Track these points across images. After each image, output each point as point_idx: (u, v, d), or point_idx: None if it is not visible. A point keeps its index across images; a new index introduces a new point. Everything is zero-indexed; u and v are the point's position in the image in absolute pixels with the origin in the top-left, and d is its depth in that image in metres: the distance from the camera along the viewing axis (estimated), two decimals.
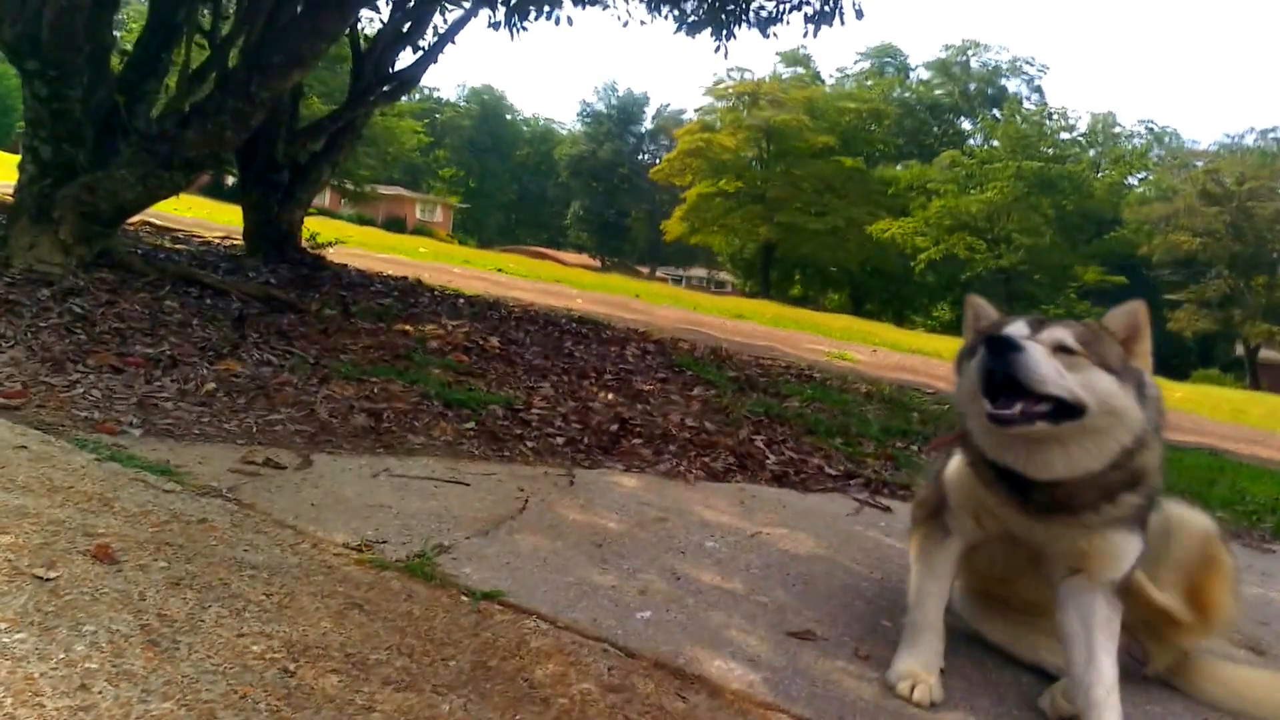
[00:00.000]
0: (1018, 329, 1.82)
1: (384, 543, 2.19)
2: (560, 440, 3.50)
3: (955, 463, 2.08)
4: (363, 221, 38.56)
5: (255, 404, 3.09)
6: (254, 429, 2.87)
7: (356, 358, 4.17)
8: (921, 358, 15.17)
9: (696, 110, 53.75)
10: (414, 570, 2.07)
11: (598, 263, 49.16)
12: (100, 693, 1.37)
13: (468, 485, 2.76)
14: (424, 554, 2.16)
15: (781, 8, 9.21)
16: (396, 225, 43.57)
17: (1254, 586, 3.34)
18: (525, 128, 73.22)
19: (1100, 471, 1.78)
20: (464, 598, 1.99)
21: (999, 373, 1.73)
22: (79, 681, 1.39)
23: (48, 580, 1.66)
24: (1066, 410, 1.73)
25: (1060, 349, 1.76)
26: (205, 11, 6.92)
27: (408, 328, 5.39)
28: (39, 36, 4.71)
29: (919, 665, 1.97)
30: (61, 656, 1.44)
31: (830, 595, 2.44)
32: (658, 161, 56.48)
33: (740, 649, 2.00)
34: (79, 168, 4.90)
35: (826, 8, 8.88)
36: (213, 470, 2.41)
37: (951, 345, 19.42)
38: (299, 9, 5.98)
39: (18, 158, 6.97)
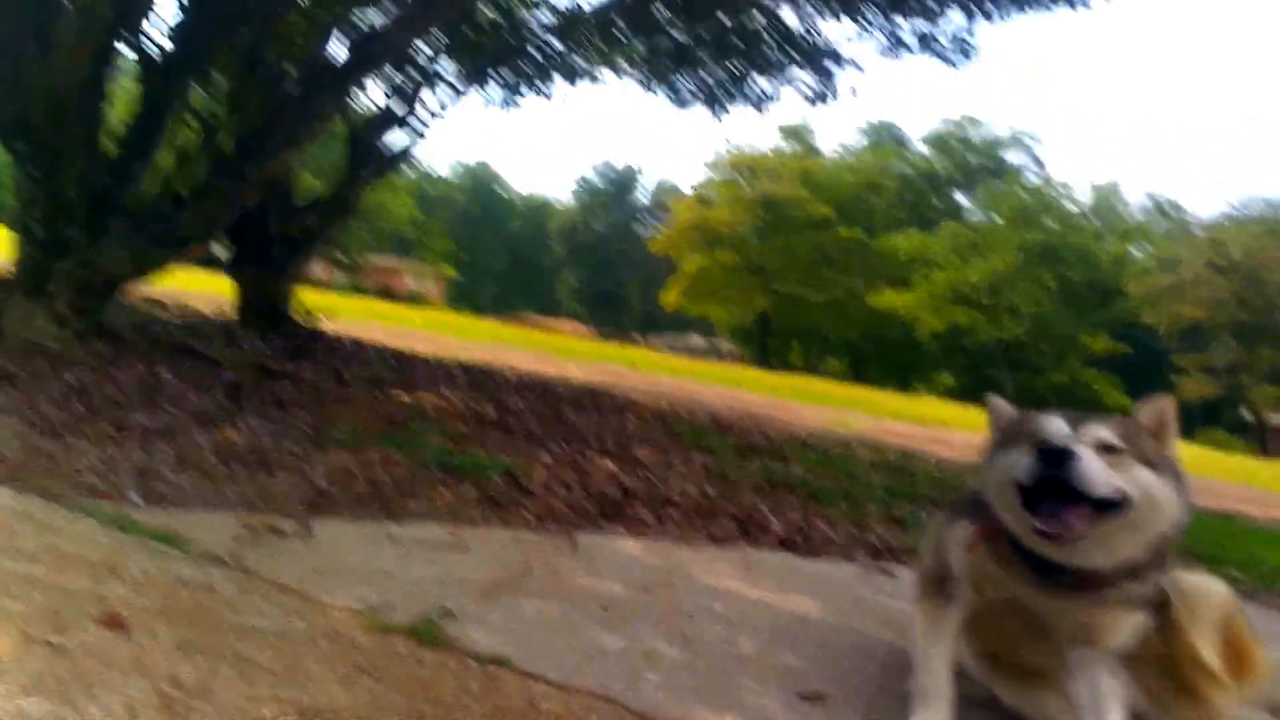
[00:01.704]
0: (1058, 428, 1.87)
1: (389, 608, 2.22)
2: (562, 506, 3.55)
3: (958, 533, 2.15)
4: (356, 290, 38.96)
5: (254, 472, 3.15)
6: (253, 496, 2.92)
7: (353, 426, 4.24)
8: (927, 428, 15.24)
9: (693, 187, 54.79)
10: (420, 635, 2.10)
11: (593, 332, 49.46)
12: None
13: (470, 551, 2.80)
14: (429, 619, 2.19)
15: (776, 87, 9.61)
16: (389, 294, 43.93)
17: (1273, 646, 3.37)
18: (519, 203, 74.33)
19: (1138, 559, 1.86)
20: (471, 662, 2.03)
21: (1049, 482, 1.77)
22: None
23: (59, 647, 1.70)
24: (1109, 506, 1.79)
25: (1103, 448, 1.82)
26: (196, 95, 7.12)
27: (404, 396, 5.46)
28: (30, 120, 4.88)
29: None
30: None
31: (840, 658, 2.47)
32: (653, 233, 57.32)
33: (751, 710, 2.03)
34: (72, 244, 5.04)
35: (821, 87, 9.27)
36: (215, 537, 2.46)
37: (957, 414, 19.55)
38: (294, 88, 6.19)
39: (6, 231, 7.15)
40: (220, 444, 3.36)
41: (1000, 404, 2.13)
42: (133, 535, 2.33)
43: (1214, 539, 5.90)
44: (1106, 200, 50.62)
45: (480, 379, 7.92)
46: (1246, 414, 43.00)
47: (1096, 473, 1.76)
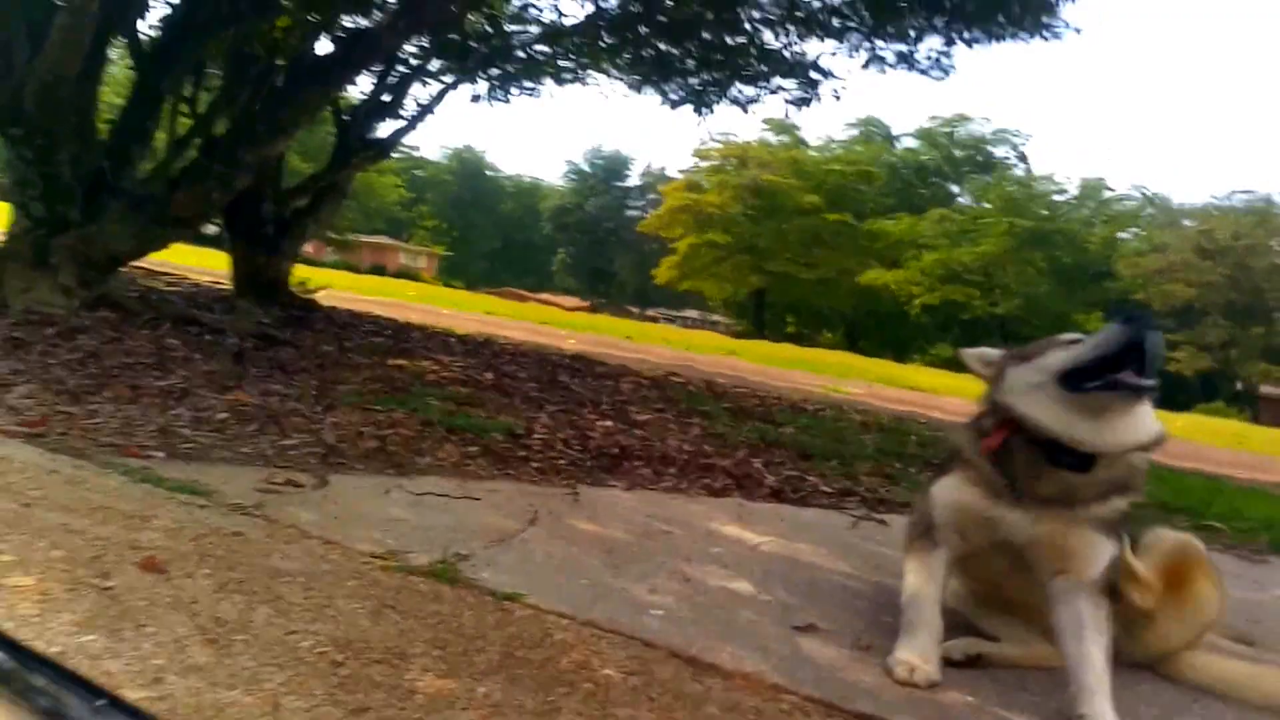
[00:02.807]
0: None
1: (406, 551, 2.36)
2: (562, 462, 3.69)
3: (944, 481, 2.33)
4: (348, 267, 38.86)
5: (267, 430, 3.28)
6: (269, 453, 3.05)
7: (357, 389, 4.36)
8: (921, 394, 15.45)
9: (682, 172, 54.66)
10: (438, 575, 2.24)
11: (586, 304, 49.51)
12: (172, 684, 1.54)
13: (478, 500, 2.94)
14: (445, 561, 2.33)
15: (760, 92, 9.84)
16: (380, 272, 43.88)
17: (1248, 591, 3.58)
18: (509, 184, 73.86)
19: (1141, 446, 2.12)
20: (487, 598, 2.17)
21: (1142, 346, 1.98)
22: (152, 676, 1.56)
23: (106, 589, 1.83)
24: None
25: None
26: (188, 84, 7.19)
27: (403, 362, 5.58)
28: (23, 107, 4.95)
29: (917, 653, 2.17)
30: (132, 654, 1.61)
31: (831, 595, 2.63)
32: (645, 215, 57.19)
33: (749, 641, 2.19)
34: (71, 222, 5.13)
35: (804, 93, 9.49)
36: (237, 489, 2.59)
37: (951, 381, 19.80)
38: (283, 81, 6.28)
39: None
40: (232, 405, 3.48)
41: (980, 351, 2.34)
42: (160, 488, 2.46)
43: (1200, 496, 6.11)
44: (1094, 191, 51.16)
45: (476, 348, 8.03)
46: (1240, 385, 43.80)
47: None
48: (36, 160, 5.09)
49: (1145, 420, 2.09)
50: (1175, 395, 38.99)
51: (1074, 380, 2.05)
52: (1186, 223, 47.20)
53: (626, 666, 1.94)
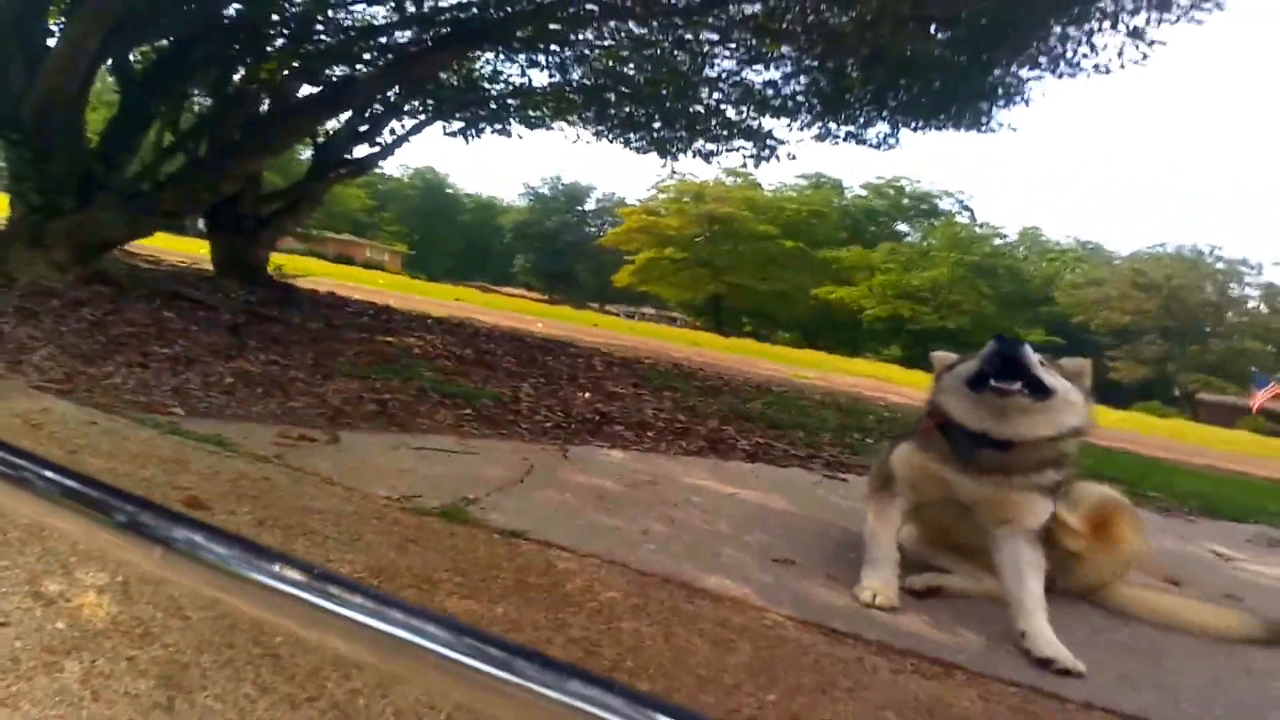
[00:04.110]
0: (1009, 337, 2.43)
1: (419, 497, 2.53)
2: (549, 425, 3.88)
3: (902, 448, 2.61)
4: (317, 256, 38.48)
5: (272, 394, 3.41)
6: (277, 413, 3.19)
7: (350, 360, 4.50)
8: (876, 381, 15.84)
9: (639, 200, 54.80)
10: (450, 515, 2.42)
11: (547, 298, 49.47)
12: (228, 605, 1.71)
13: (477, 455, 3.12)
14: (455, 505, 2.51)
15: (720, 148, 10.42)
16: (348, 262, 43.46)
17: (1176, 544, 3.93)
18: (468, 201, 73.30)
19: (1049, 438, 2.36)
20: (496, 535, 2.35)
21: (1003, 359, 2.30)
22: (210, 598, 1.72)
23: None
24: (1042, 390, 2.29)
25: (1039, 362, 2.36)
26: (173, 107, 7.39)
27: (390, 339, 5.71)
28: (19, 116, 5.16)
29: (880, 581, 2.40)
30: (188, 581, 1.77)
31: (802, 537, 2.85)
32: (602, 234, 57.28)
33: (733, 571, 2.39)
34: (64, 210, 5.31)
35: (761, 153, 10.06)
36: (257, 442, 2.74)
37: (903, 375, 20.42)
38: (269, 109, 6.51)
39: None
40: (236, 371, 3.61)
41: (943, 355, 2.65)
42: (188, 439, 2.60)
43: (1139, 472, 6.50)
44: (1031, 238, 54.24)
45: (452, 329, 8.15)
46: (1177, 391, 45.79)
47: (1035, 358, 2.33)
48: (33, 160, 5.30)
49: (1057, 416, 2.35)
50: (1112, 398, 40.42)
51: (972, 385, 2.35)
52: (1118, 263, 49.88)
53: (626, 590, 2.14)
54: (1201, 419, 40.01)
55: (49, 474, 0.68)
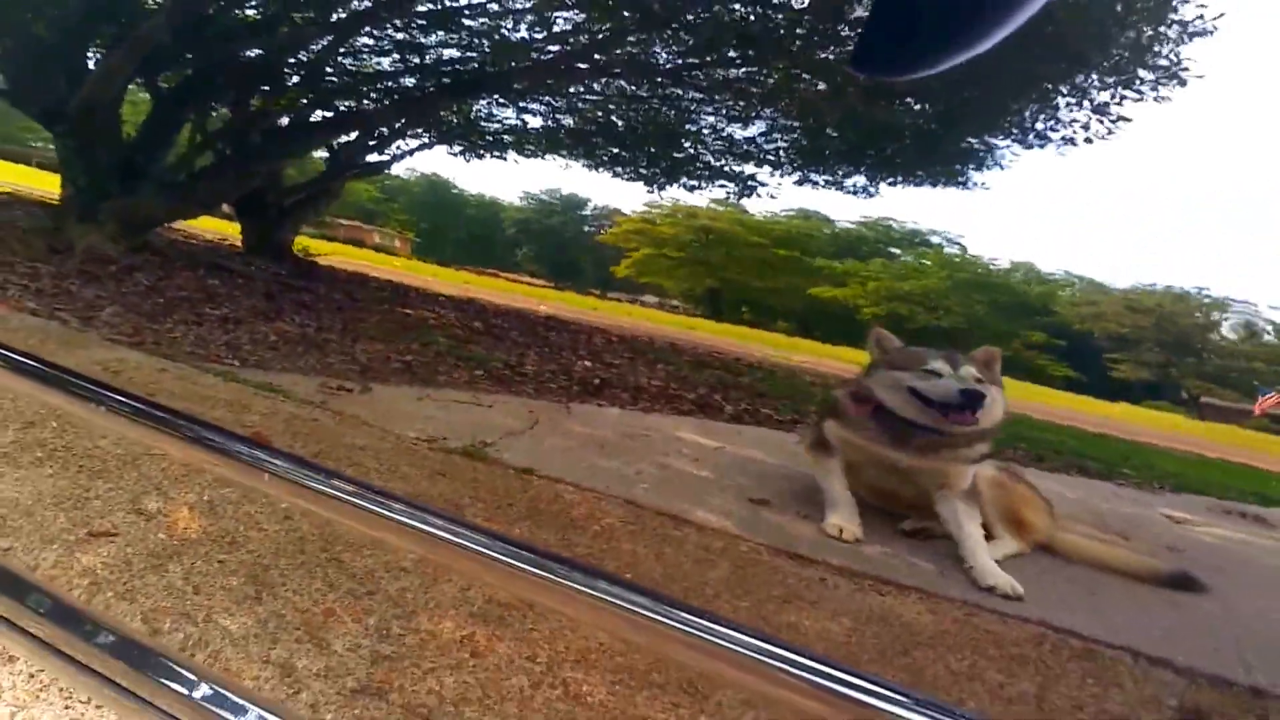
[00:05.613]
0: (944, 366, 2.72)
1: (443, 438, 2.83)
2: (553, 386, 4.17)
3: (833, 425, 2.90)
4: (328, 239, 38.97)
5: (310, 350, 3.70)
6: (317, 367, 3.48)
7: (373, 326, 4.79)
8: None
9: (634, 212, 55.31)
10: (471, 454, 2.72)
11: (551, 285, 50.04)
12: (300, 522, 2.00)
13: (490, 408, 3.41)
14: (473, 445, 2.81)
15: (704, 184, 10.96)
16: (360, 245, 43.81)
17: (1134, 508, 4.26)
18: (471, 199, 73.97)
19: (979, 431, 2.68)
20: (510, 471, 2.65)
21: (966, 397, 2.61)
22: (282, 514, 2.02)
23: None
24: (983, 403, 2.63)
25: (977, 379, 2.68)
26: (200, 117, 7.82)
27: (408, 311, 5.99)
28: (65, 110, 5.50)
29: (843, 517, 2.71)
30: (262, 500, 2.07)
31: (778, 484, 3.15)
32: (601, 232, 57.93)
33: (716, 507, 2.69)
34: (111, 193, 5.64)
35: (745, 187, 10.57)
36: (303, 390, 3.03)
37: None
38: (295, 117, 6.97)
39: (18, 167, 8.08)
40: (278, 331, 3.90)
41: (885, 334, 2.91)
42: (246, 385, 2.89)
43: (1119, 454, 6.81)
44: (1026, 269, 54.14)
45: (463, 305, 8.44)
46: (1185, 394, 46.25)
47: (991, 404, 2.64)
48: (79, 148, 5.61)
49: (987, 414, 2.65)
50: (1123, 396, 40.80)
51: (922, 400, 2.66)
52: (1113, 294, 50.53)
53: (623, 518, 2.44)
54: (1208, 419, 40.87)
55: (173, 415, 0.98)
